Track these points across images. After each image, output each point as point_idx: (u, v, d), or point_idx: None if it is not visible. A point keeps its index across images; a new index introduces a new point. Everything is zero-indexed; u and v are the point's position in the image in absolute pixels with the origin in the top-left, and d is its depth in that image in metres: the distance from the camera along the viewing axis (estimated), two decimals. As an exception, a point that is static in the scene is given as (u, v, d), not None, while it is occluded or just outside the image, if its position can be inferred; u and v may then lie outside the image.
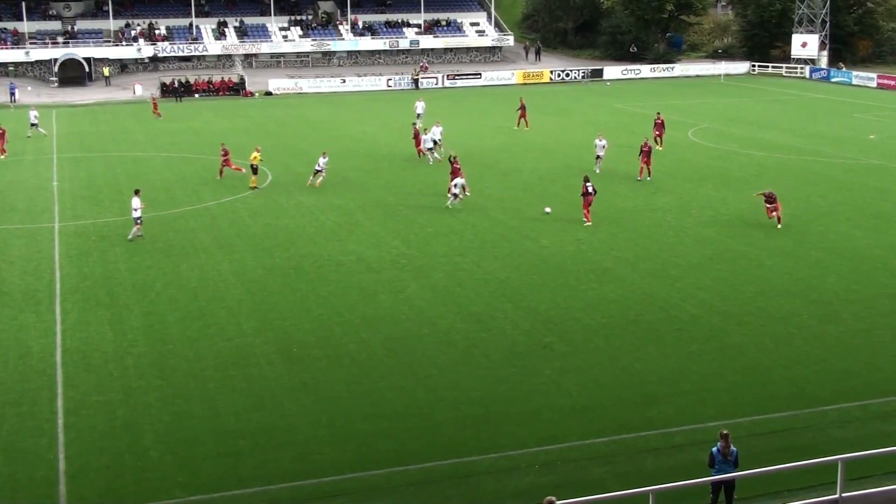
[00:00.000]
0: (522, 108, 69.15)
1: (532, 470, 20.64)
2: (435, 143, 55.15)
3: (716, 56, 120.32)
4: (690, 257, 35.76)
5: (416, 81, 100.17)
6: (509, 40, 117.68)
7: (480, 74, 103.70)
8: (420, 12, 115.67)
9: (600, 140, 51.05)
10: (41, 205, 45.25)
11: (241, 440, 21.97)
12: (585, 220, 40.10)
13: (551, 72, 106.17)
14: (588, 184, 40.39)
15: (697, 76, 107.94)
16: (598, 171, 49.32)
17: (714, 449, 18.50)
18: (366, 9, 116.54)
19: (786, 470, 18.81)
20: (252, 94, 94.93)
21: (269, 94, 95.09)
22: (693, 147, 60.05)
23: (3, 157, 57.99)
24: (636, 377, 25.27)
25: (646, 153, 49.19)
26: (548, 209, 41.77)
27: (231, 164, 50.39)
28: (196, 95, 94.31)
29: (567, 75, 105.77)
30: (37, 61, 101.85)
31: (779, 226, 39.17)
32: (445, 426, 22.60)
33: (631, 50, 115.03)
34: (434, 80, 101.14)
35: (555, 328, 28.66)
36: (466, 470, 20.78)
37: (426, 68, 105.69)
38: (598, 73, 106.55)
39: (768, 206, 39.70)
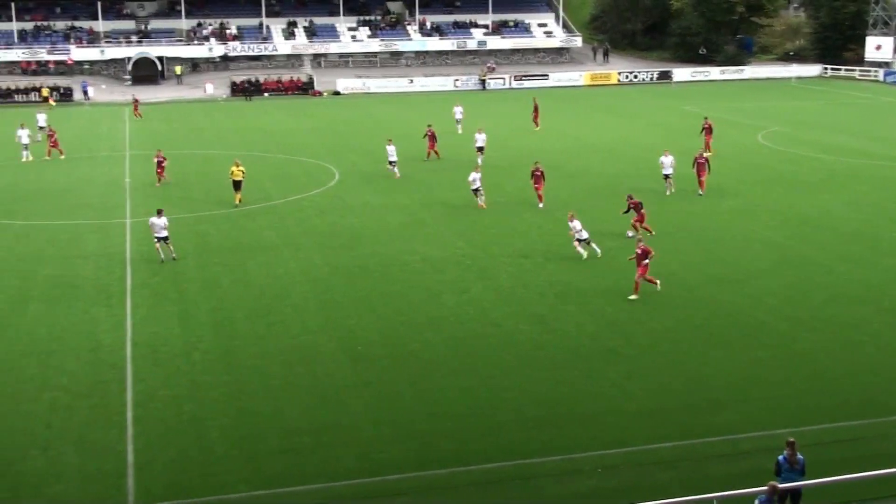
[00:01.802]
0: (535, 108, 70.05)
1: (595, 473, 20.51)
2: (480, 149, 54.33)
3: (787, 58, 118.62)
4: (759, 262, 35.26)
5: (483, 82, 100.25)
6: (577, 41, 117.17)
7: (548, 75, 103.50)
8: (488, 13, 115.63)
9: (666, 157, 46.23)
10: (113, 201, 46.03)
11: (305, 437, 22.14)
12: (648, 231, 38.08)
13: (619, 73, 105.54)
14: (631, 201, 38.19)
15: (768, 79, 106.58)
16: (669, 194, 45.61)
17: (780, 457, 18.22)
18: (434, 9, 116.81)
19: (854, 480, 18.49)
20: (320, 93, 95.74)
21: (337, 93, 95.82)
22: (762, 151, 59.26)
23: (62, 156, 58.72)
24: (702, 382, 24.99)
25: (701, 165, 45.97)
26: (630, 233, 38.26)
27: (163, 173, 49.80)
28: (265, 95, 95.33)
29: (635, 77, 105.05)
30: (111, 60, 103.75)
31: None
32: (508, 427, 22.56)
33: (700, 52, 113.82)
34: (501, 81, 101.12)
35: (620, 331, 28.46)
36: (529, 472, 20.71)
37: (493, 69, 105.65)
38: (666, 75, 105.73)
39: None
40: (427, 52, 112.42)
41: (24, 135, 57.90)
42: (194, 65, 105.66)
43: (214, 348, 27.36)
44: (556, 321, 29.30)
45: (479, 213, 42.40)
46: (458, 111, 68.84)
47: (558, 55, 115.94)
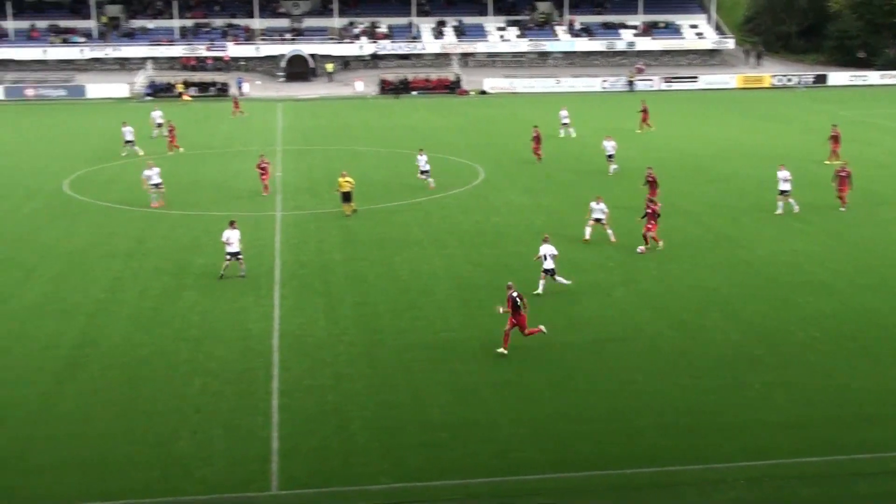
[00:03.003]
0: (644, 110, 68.87)
1: (737, 484, 20.09)
2: (610, 156, 52.19)
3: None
4: (916, 274, 33.94)
5: (630, 83, 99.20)
6: (729, 43, 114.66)
7: (697, 78, 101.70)
8: (638, 13, 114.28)
9: (781, 171, 42.50)
10: (265, 194, 47.21)
11: (444, 432, 22.34)
12: (657, 242, 36.50)
13: (773, 76, 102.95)
14: (652, 205, 36.45)
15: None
16: (795, 210, 42.23)
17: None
18: (583, 10, 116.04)
19: None
20: (467, 92, 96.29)
21: (483, 92, 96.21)
22: (923, 158, 56.95)
23: (180, 150, 59.94)
24: (851, 396, 24.19)
25: (842, 179, 42.85)
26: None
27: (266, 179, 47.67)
28: (413, 93, 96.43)
29: (789, 80, 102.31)
30: (266, 57, 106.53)
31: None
32: (648, 433, 22.30)
33: (859, 55, 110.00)
34: (650, 83, 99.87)
35: (766, 340, 27.80)
36: (668, 479, 20.45)
37: (642, 70, 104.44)
38: (822, 79, 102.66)
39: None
40: (575, 53, 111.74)
41: (127, 132, 58.79)
42: (345, 62, 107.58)
43: (358, 341, 27.85)
44: (699, 328, 28.82)
45: (624, 215, 41.85)
46: (563, 115, 67.09)
47: (709, 57, 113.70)
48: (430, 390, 24.56)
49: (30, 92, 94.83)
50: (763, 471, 20.63)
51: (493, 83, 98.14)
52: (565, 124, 66.35)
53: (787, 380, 25.11)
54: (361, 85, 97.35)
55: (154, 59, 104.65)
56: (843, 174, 43.25)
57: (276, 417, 22.99)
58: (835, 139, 54.44)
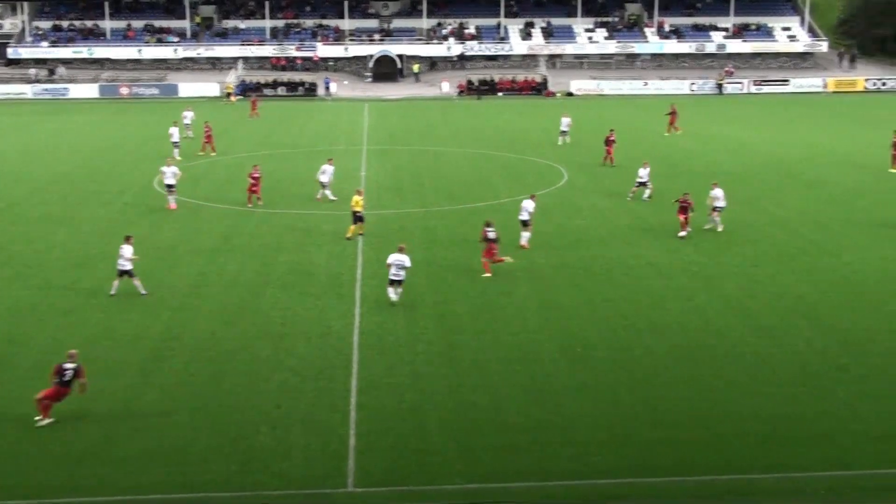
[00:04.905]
0: (673, 113, 67.62)
1: (818, 495, 19.72)
2: (643, 184, 46.14)
3: None
4: None
5: (719, 86, 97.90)
6: (822, 46, 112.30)
7: (788, 81, 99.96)
8: (729, 15, 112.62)
9: (715, 190, 39.96)
10: (349, 193, 47.46)
11: (521, 434, 22.29)
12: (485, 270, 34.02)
13: (866, 80, 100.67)
14: (488, 228, 34.14)
15: None
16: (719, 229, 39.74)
17: None
18: (673, 11, 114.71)
19: None
20: (553, 94, 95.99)
21: (570, 94, 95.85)
22: None
23: (213, 154, 59.33)
24: (940, 409, 23.59)
25: None
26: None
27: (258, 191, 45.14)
28: (500, 94, 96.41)
29: (884, 84, 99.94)
30: (354, 57, 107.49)
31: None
32: (728, 441, 21.99)
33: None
34: (739, 86, 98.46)
35: (852, 350, 27.20)
36: (748, 487, 20.16)
37: (731, 73, 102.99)
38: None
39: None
40: (664, 55, 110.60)
41: (175, 132, 58.37)
42: (432, 63, 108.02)
43: (437, 341, 27.94)
44: (783, 335, 28.31)
45: (708, 220, 41.39)
46: (565, 122, 63.55)
47: (801, 60, 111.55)
48: (507, 392, 24.53)
49: (124, 90, 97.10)
50: (844, 482, 20.25)
51: (580, 84, 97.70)
52: (564, 132, 63.07)
53: (873, 391, 24.55)
54: (448, 85, 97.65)
55: (245, 58, 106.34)
56: None
57: (354, 415, 23.17)
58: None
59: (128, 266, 31.62)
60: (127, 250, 31.64)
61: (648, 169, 46.31)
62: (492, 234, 33.84)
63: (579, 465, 20.89)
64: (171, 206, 44.41)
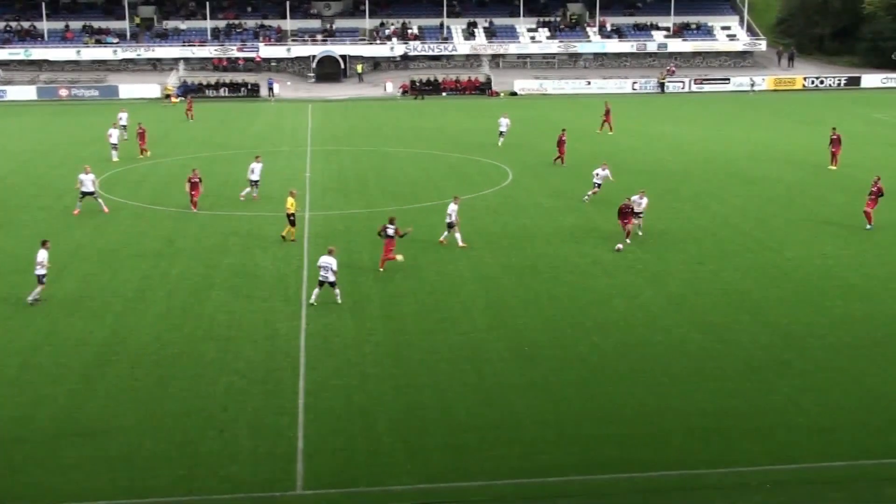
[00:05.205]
0: (607, 112, 68.34)
1: (763, 489, 19.97)
2: (598, 187, 46.10)
3: None
4: (948, 279, 33.60)
5: (661, 85, 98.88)
6: (762, 45, 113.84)
7: (729, 79, 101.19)
8: (670, 15, 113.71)
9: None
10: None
11: (470, 434, 22.33)
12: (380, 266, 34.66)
13: (805, 78, 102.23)
14: (389, 226, 34.41)
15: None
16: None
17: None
18: (615, 11, 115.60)
19: None
20: (497, 93, 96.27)
21: (513, 94, 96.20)
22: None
23: (146, 154, 58.44)
24: (881, 401, 23.98)
25: (875, 195, 40.38)
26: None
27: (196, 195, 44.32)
28: (443, 94, 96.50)
29: (821, 82, 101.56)
30: (296, 57, 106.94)
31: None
32: (674, 436, 22.21)
33: (893, 57, 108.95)
34: (681, 85, 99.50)
35: (795, 344, 27.61)
36: (694, 483, 20.37)
37: (673, 72, 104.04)
38: (855, 81, 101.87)
39: None
40: (606, 54, 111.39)
41: (114, 134, 58.12)
42: (375, 63, 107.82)
43: (384, 342, 27.89)
44: (728, 331, 28.65)
45: (652, 218, 41.71)
46: (503, 123, 62.78)
47: (741, 59, 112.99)
48: (455, 392, 24.56)
49: (63, 92, 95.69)
50: (789, 475, 20.52)
51: (524, 84, 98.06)
52: (502, 133, 62.37)
53: (816, 384, 24.94)
54: (391, 86, 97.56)
55: (186, 59, 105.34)
56: (875, 189, 40.65)
57: (302, 417, 23.07)
58: (836, 142, 54.27)
59: (43, 271, 31.14)
60: (42, 255, 31.15)
61: (608, 171, 45.77)
62: (390, 231, 34.30)
63: (528, 464, 20.96)
64: (76, 211, 43.54)
